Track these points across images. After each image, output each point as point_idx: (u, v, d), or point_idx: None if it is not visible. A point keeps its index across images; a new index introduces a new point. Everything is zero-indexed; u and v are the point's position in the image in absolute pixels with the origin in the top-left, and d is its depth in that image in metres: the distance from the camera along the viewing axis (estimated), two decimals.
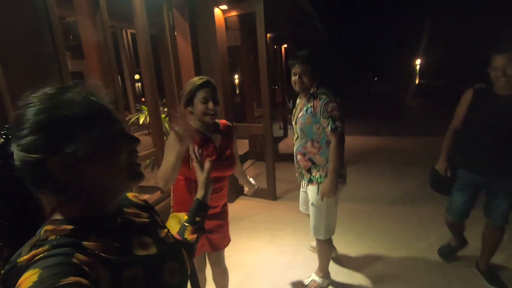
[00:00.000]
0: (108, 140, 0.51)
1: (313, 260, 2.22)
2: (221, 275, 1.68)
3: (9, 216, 0.51)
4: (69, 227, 0.49)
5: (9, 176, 0.49)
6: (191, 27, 3.09)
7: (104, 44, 2.03)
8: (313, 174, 1.84)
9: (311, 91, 1.78)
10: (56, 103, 0.48)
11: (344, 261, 2.34)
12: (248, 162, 5.20)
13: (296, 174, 2.00)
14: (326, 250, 1.98)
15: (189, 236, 0.82)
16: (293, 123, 1.92)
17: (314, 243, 2.34)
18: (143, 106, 4.55)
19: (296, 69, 1.76)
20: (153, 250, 0.59)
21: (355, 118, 9.62)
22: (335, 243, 2.49)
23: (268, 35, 5.94)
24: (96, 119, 0.50)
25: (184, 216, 0.88)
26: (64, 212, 0.51)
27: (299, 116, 1.83)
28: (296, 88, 1.80)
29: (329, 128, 1.68)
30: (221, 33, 3.24)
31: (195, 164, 0.97)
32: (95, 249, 0.48)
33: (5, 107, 1.45)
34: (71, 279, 0.39)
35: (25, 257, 0.42)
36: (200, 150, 1.01)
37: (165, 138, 2.75)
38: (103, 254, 0.48)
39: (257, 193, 2.28)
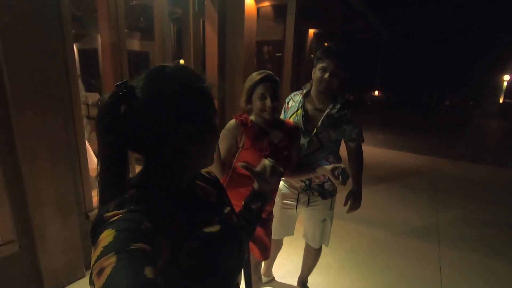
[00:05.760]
0: (210, 122, 0.58)
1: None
2: (256, 284, 1.61)
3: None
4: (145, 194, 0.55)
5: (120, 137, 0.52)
6: (220, 14, 3.02)
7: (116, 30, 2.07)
8: (327, 187, 1.69)
9: (339, 96, 1.58)
10: (181, 83, 0.54)
11: None
12: None
13: (292, 191, 1.71)
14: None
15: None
16: (306, 130, 1.56)
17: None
18: None
19: (327, 65, 1.50)
20: (216, 228, 0.61)
21: (409, 132, 8.66)
22: (327, 267, 2.24)
23: (313, 30, 5.61)
24: (205, 102, 0.57)
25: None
26: (146, 179, 0.57)
27: (327, 123, 1.56)
28: (321, 86, 1.53)
29: (358, 137, 1.64)
30: (250, 24, 3.12)
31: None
32: (162, 220, 0.51)
33: (4, 82, 1.47)
34: (139, 245, 0.43)
35: (110, 213, 0.48)
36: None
37: None
38: (168, 225, 0.52)
39: None
